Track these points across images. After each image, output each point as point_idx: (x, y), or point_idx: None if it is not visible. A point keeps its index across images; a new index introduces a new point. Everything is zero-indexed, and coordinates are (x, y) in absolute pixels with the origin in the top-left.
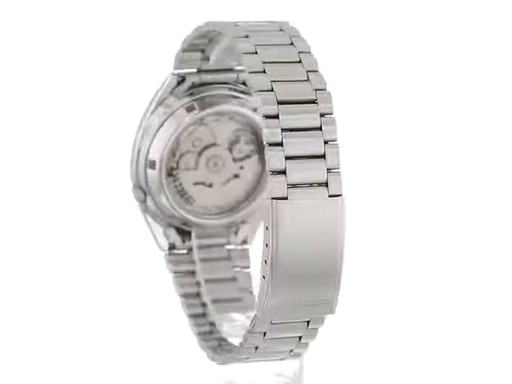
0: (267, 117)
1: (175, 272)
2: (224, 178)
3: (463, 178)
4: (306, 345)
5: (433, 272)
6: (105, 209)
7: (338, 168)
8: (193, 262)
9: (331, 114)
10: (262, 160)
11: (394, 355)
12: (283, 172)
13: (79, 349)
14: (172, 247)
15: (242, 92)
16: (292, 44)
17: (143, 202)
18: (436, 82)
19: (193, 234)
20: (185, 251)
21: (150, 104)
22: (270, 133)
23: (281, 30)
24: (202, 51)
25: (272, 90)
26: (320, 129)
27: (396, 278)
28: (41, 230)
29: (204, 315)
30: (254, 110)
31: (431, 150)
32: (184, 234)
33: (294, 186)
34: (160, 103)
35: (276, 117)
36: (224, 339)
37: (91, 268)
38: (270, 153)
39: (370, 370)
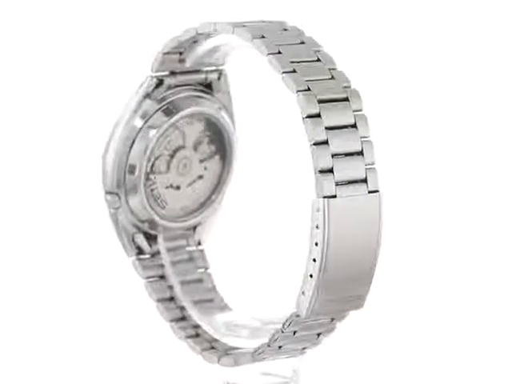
0: (310, 116)
1: (147, 277)
2: (190, 180)
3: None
4: (321, 341)
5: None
6: (70, 217)
7: (374, 164)
8: (161, 266)
9: (361, 110)
10: (223, 160)
11: (391, 354)
12: (330, 170)
13: (76, 352)
14: (139, 252)
15: (204, 92)
16: (303, 43)
17: (117, 208)
18: (431, 72)
19: (160, 238)
20: (149, 256)
21: (128, 108)
22: (315, 132)
23: (285, 29)
24: (180, 53)
25: (309, 89)
26: (355, 126)
27: (395, 278)
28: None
29: (184, 318)
30: (219, 108)
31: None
32: (150, 238)
33: (340, 183)
34: (138, 107)
35: (318, 116)
36: (216, 340)
37: (72, 279)
38: (316, 151)
39: (368, 369)
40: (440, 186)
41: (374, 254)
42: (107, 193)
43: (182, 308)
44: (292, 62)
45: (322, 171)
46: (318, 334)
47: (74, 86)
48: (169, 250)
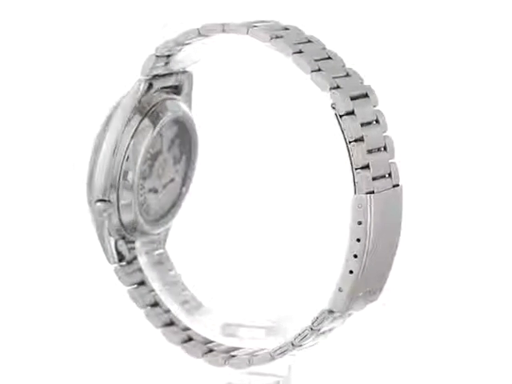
0: (348, 113)
1: (131, 284)
2: (164, 183)
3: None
4: (326, 336)
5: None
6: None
7: (394, 158)
8: (140, 272)
9: (377, 105)
10: (188, 161)
11: (384, 351)
12: (367, 167)
13: (80, 366)
14: (121, 259)
15: (174, 93)
16: (311, 41)
17: (107, 216)
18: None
19: (138, 242)
20: (127, 262)
21: (121, 114)
22: (353, 129)
23: (286, 28)
24: (168, 56)
25: (339, 86)
26: (378, 121)
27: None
28: None
29: (173, 323)
30: (189, 109)
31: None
32: (128, 243)
33: (374, 179)
34: (132, 113)
35: (353, 113)
36: (211, 341)
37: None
38: (355, 149)
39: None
40: (439, 181)
41: (396, 246)
42: (98, 200)
43: (168, 311)
44: (316, 61)
45: (362, 167)
46: (331, 329)
47: (60, 89)
48: (146, 253)
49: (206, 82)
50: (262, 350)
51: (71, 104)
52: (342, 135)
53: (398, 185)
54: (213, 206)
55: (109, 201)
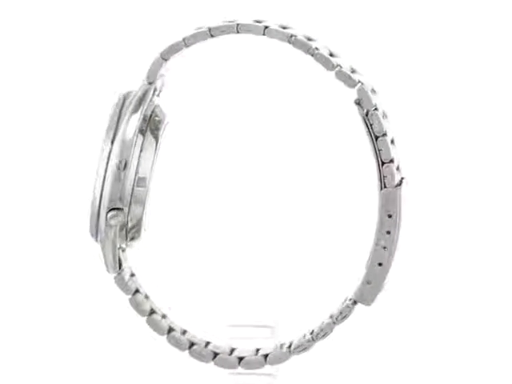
0: (376, 108)
1: (131, 292)
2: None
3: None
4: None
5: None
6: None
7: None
8: (133, 278)
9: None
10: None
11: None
12: (391, 161)
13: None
14: (119, 265)
15: (157, 95)
16: (312, 39)
17: (116, 224)
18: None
19: (129, 248)
20: (122, 271)
21: (132, 125)
22: (381, 123)
23: (284, 27)
24: (166, 59)
25: (360, 82)
26: (386, 115)
27: None
28: None
29: (172, 329)
30: None
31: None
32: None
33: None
34: (141, 123)
35: (376, 108)
36: (209, 343)
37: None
38: (383, 143)
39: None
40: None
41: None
42: (111, 209)
43: (165, 316)
44: (331, 57)
45: (389, 161)
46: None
47: (61, 92)
48: (137, 258)
49: (216, 83)
50: (260, 349)
51: (72, 106)
52: (368, 131)
53: (403, 178)
54: (228, 202)
55: (121, 209)
